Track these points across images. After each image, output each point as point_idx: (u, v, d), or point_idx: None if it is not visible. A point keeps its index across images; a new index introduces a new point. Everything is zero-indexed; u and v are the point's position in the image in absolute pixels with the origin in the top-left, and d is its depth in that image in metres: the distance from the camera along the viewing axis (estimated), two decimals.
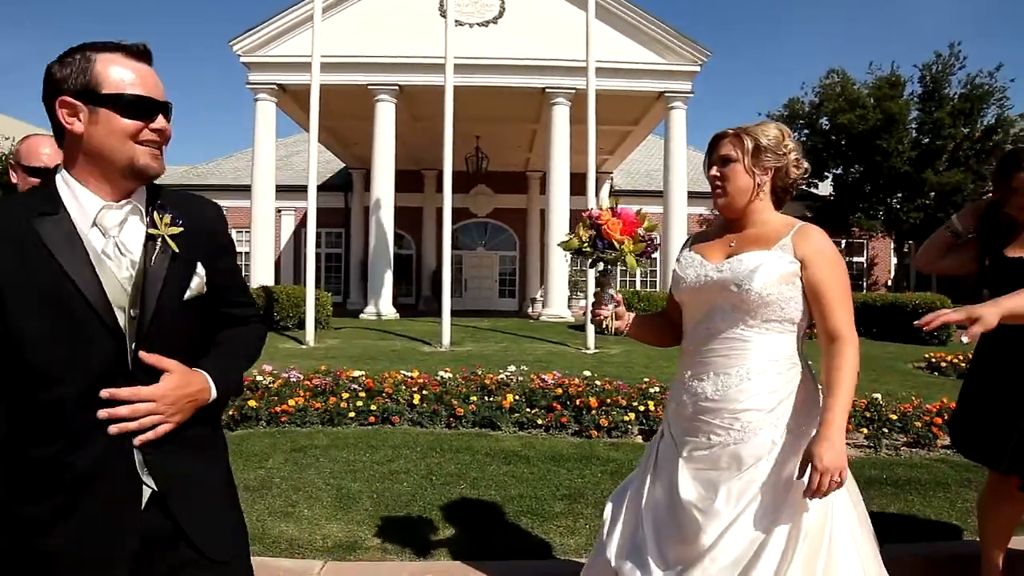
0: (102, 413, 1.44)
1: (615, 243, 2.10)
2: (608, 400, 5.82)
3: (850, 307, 1.99)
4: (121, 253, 1.49)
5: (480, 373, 6.90)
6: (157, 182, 1.59)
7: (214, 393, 1.59)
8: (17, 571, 1.45)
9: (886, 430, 5.47)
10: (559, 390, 6.14)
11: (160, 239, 1.52)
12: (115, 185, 1.50)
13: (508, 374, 6.84)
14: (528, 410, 5.85)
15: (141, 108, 1.48)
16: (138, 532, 1.48)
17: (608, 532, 2.15)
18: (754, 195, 2.06)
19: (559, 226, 16.28)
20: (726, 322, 2.01)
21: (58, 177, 1.51)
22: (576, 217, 2.26)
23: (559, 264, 16.45)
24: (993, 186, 2.80)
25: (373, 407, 5.81)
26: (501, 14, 17.26)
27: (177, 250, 1.54)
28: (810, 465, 1.83)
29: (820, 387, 2.02)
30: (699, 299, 2.09)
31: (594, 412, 5.68)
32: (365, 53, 16.64)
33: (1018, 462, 2.66)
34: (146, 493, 1.50)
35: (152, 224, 1.53)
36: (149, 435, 1.47)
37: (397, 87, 16.95)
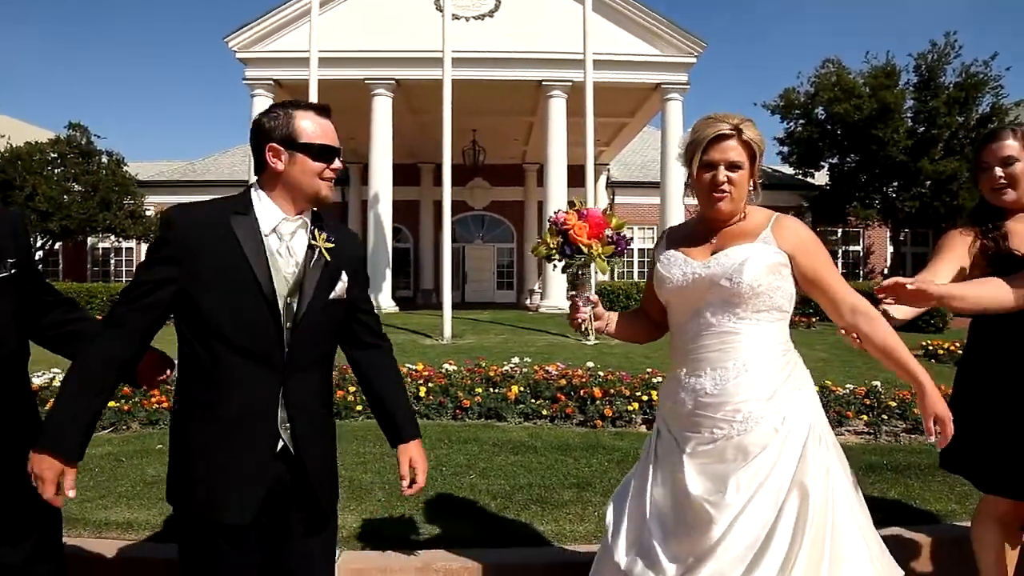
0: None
1: (583, 247, 2.09)
2: (612, 390, 5.91)
3: (843, 279, 2.14)
4: (290, 255, 1.96)
5: (484, 365, 6.98)
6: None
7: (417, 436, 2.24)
8: (181, 489, 1.92)
9: (885, 417, 5.57)
10: (563, 381, 6.22)
11: (317, 250, 2.00)
12: (296, 206, 1.98)
13: (512, 366, 6.92)
14: (533, 401, 5.93)
15: (325, 153, 1.96)
16: (268, 476, 1.91)
17: (613, 535, 2.15)
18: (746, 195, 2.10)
19: None
20: (717, 317, 2.04)
21: (252, 191, 1.99)
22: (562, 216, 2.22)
23: None
24: (971, 170, 2.78)
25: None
26: (497, 7, 17.25)
27: (329, 259, 2.01)
28: (936, 418, 2.01)
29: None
30: (687, 297, 2.10)
31: (598, 402, 5.76)
32: (362, 48, 16.62)
33: (1004, 481, 2.50)
34: (278, 446, 1.93)
35: (313, 238, 2.00)
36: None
37: (394, 81, 16.96)
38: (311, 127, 1.94)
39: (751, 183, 2.09)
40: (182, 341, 1.94)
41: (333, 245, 2.03)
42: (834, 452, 2.03)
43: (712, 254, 2.09)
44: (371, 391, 2.24)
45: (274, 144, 1.93)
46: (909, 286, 2.11)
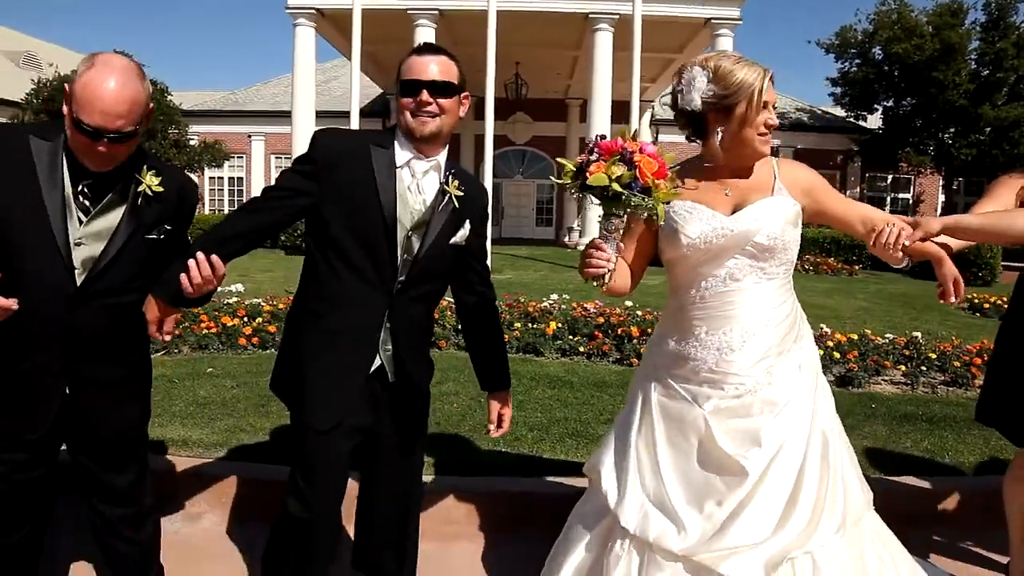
0: None
1: (651, 186, 1.76)
2: (649, 330, 5.94)
3: (841, 195, 2.21)
4: (419, 192, 2.10)
5: (523, 301, 7.06)
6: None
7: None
8: (284, 385, 2.18)
9: (924, 368, 5.53)
10: (601, 319, 6.28)
11: (448, 195, 2.12)
12: (412, 143, 2.07)
13: (550, 302, 6.99)
14: (571, 338, 6.02)
15: (409, 87, 2.03)
16: (359, 390, 2.09)
17: (618, 499, 2.06)
18: None
19: None
20: (744, 272, 2.02)
21: (397, 128, 2.11)
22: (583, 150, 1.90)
23: None
24: None
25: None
26: None
27: (457, 206, 2.13)
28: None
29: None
30: (712, 253, 2.02)
31: (635, 341, 5.82)
32: None
33: None
34: (375, 365, 2.11)
35: (445, 182, 2.12)
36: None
37: (437, 11, 16.62)
38: (407, 66, 2.06)
39: None
40: (308, 252, 2.14)
41: (463, 194, 2.14)
42: (827, 386, 2.14)
43: (734, 209, 2.04)
44: (473, 337, 2.40)
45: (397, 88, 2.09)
46: (905, 242, 1.97)
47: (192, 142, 25.24)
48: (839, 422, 2.12)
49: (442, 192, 2.12)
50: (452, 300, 2.40)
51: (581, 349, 5.90)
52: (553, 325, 6.11)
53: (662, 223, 1.97)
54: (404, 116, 2.05)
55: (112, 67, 1.83)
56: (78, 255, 1.94)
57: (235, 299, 6.73)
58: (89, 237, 1.96)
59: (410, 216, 2.07)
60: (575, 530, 2.20)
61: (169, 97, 24.64)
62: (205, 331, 5.97)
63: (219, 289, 2.46)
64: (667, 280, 2.18)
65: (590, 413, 4.43)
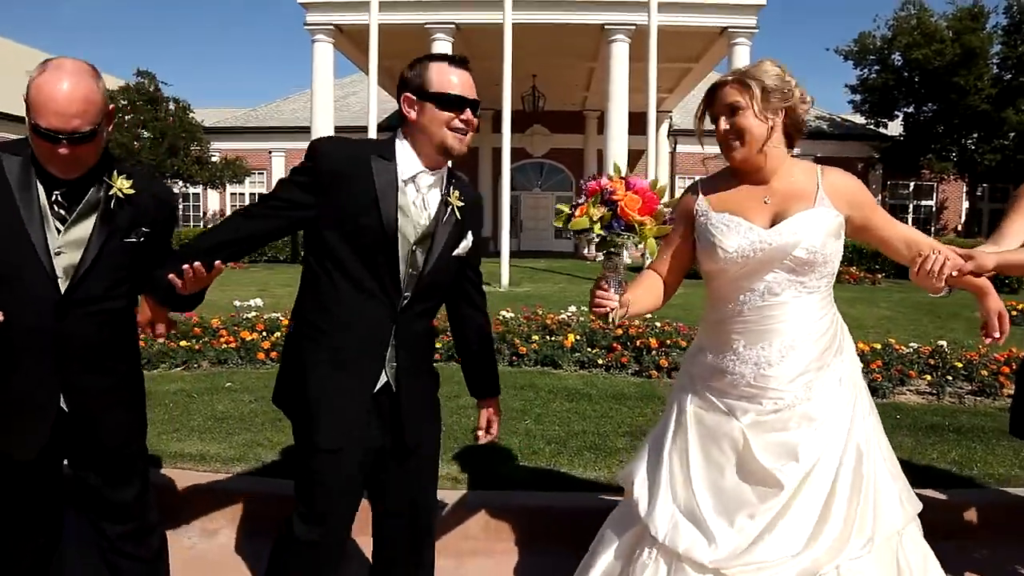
0: None
1: (635, 224, 1.80)
2: (668, 341, 5.89)
3: (887, 214, 2.12)
4: (424, 207, 2.05)
5: (541, 313, 7.03)
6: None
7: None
8: (289, 401, 2.11)
9: (950, 378, 5.41)
10: (619, 331, 6.22)
11: (451, 207, 2.08)
12: (428, 157, 2.03)
13: (569, 314, 6.94)
14: (589, 350, 5.97)
15: (452, 103, 1.97)
16: (365, 407, 2.03)
17: (648, 509, 2.05)
18: (767, 142, 1.97)
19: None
20: (783, 286, 1.97)
21: (396, 137, 2.06)
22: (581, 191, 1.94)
23: None
24: None
25: (438, 345, 5.98)
26: None
27: (459, 217, 2.10)
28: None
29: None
30: (751, 267, 1.98)
31: (654, 353, 5.76)
32: None
33: None
34: (381, 381, 2.05)
35: (447, 193, 2.09)
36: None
37: (454, 25, 16.78)
38: (441, 77, 1.98)
39: (767, 124, 1.96)
40: (306, 265, 2.09)
41: (463, 204, 2.11)
42: (867, 399, 2.07)
43: (773, 219, 1.99)
44: (465, 344, 2.38)
45: (408, 94, 2.00)
46: (953, 273, 1.88)
47: (214, 158, 25.56)
48: (882, 434, 2.06)
49: (445, 204, 2.08)
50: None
51: (600, 361, 5.85)
52: (571, 337, 6.06)
53: (655, 254, 2.00)
54: (439, 130, 1.98)
55: (63, 69, 1.83)
56: (59, 264, 1.95)
57: (254, 314, 6.75)
58: (68, 245, 1.97)
59: (415, 231, 2.02)
60: (606, 536, 2.20)
61: (191, 114, 24.98)
62: (224, 346, 6.00)
63: (238, 304, 2.47)
64: (706, 292, 2.16)
65: (609, 426, 4.38)
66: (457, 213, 2.10)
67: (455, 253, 2.11)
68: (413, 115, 2.00)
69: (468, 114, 2.00)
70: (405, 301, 2.04)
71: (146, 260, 2.08)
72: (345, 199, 1.96)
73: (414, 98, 1.99)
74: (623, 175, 1.84)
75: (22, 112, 1.92)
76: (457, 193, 2.11)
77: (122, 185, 2.01)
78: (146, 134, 23.64)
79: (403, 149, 2.04)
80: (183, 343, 5.96)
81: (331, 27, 17.23)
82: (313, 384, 2.03)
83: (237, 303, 6.93)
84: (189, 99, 24.57)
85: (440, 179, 2.09)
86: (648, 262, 2.29)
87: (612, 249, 1.89)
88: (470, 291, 2.31)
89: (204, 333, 6.18)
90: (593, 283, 1.95)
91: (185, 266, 1.86)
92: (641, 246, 1.88)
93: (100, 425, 2.09)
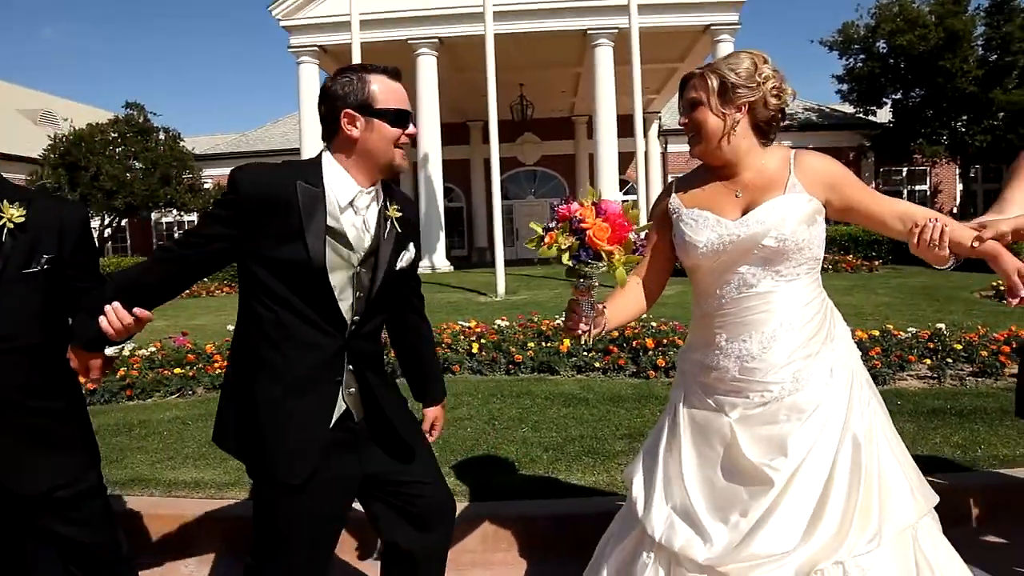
0: None
1: (603, 253, 1.75)
2: (664, 340, 5.85)
3: (873, 191, 2.06)
4: (365, 229, 1.93)
5: (536, 320, 6.99)
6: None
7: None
8: (252, 434, 1.91)
9: (950, 360, 5.37)
10: (615, 332, 6.18)
11: (390, 221, 1.97)
12: (369, 175, 1.92)
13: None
14: (585, 353, 5.93)
15: (400, 118, 1.89)
16: (326, 438, 1.90)
17: (645, 508, 2.05)
18: (725, 137, 1.95)
19: (608, 170, 16.14)
20: (757, 277, 1.95)
21: (324, 159, 1.91)
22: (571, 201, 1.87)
23: None
24: None
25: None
26: None
27: (400, 230, 2.00)
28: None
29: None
30: (723, 260, 1.98)
31: (651, 353, 5.72)
32: (403, 7, 16.51)
33: None
34: (339, 409, 1.94)
35: (385, 208, 1.97)
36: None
37: (437, 39, 16.83)
38: (386, 91, 1.87)
39: (724, 120, 1.94)
40: (243, 299, 1.95)
41: (401, 214, 2.01)
42: (868, 388, 2.01)
43: (744, 211, 1.97)
44: (408, 351, 2.32)
45: (350, 110, 1.85)
46: (974, 244, 1.85)
47: (207, 185, 25.57)
48: (889, 424, 1.99)
49: (384, 219, 1.97)
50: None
51: (596, 364, 5.81)
52: (567, 342, 6.02)
53: (622, 286, 1.97)
54: (388, 149, 1.88)
55: None
56: None
57: None
58: None
59: (357, 255, 1.91)
60: (610, 538, 2.19)
61: (182, 143, 25.03)
62: (219, 371, 5.96)
63: (231, 328, 2.40)
64: (692, 289, 2.14)
65: (607, 429, 4.34)
66: (397, 226, 1.99)
67: (399, 267, 2.01)
68: (356, 133, 1.86)
69: (412, 128, 1.93)
70: (354, 325, 1.93)
71: (59, 289, 2.00)
72: (270, 230, 1.82)
73: (357, 114, 1.85)
74: (595, 200, 1.77)
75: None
76: (395, 207, 2.00)
77: (11, 214, 1.94)
78: (138, 165, 23.67)
79: (334, 171, 1.90)
80: (177, 370, 5.93)
81: (315, 48, 17.29)
82: (267, 417, 1.88)
83: (230, 327, 6.88)
84: (180, 128, 24.66)
85: (376, 193, 1.97)
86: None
87: (581, 278, 1.84)
88: (412, 299, 2.24)
89: (198, 359, 6.15)
90: (567, 305, 1.93)
91: (110, 311, 1.80)
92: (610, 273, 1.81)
93: (33, 466, 2.02)
